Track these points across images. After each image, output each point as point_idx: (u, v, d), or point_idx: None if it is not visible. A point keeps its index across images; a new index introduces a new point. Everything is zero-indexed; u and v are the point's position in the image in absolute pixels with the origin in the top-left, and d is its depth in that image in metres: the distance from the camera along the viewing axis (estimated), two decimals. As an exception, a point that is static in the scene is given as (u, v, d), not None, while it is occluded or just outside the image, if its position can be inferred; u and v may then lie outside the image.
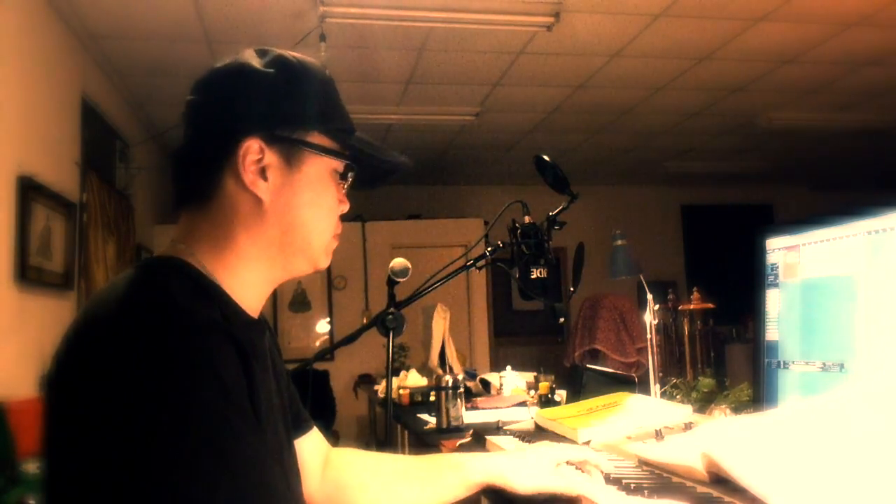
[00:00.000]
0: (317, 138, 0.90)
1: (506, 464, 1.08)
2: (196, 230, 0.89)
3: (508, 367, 3.16)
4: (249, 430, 0.74)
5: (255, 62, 0.90)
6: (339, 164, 0.92)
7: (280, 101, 0.89)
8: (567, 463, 1.08)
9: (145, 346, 0.71)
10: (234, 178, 0.87)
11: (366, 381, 6.01)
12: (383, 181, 1.03)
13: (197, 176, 0.89)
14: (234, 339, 0.77)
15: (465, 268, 1.72)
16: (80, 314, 0.79)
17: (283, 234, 0.89)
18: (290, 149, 0.88)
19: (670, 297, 3.01)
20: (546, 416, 1.53)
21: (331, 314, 6.77)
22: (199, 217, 0.89)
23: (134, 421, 0.68)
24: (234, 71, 0.90)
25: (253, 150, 0.86)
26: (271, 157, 0.87)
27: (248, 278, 0.89)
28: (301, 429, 1.07)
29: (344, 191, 0.95)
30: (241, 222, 0.88)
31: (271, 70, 0.89)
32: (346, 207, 0.96)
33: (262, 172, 0.87)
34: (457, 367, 3.60)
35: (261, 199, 0.87)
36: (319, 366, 5.85)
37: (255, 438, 0.75)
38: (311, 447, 1.09)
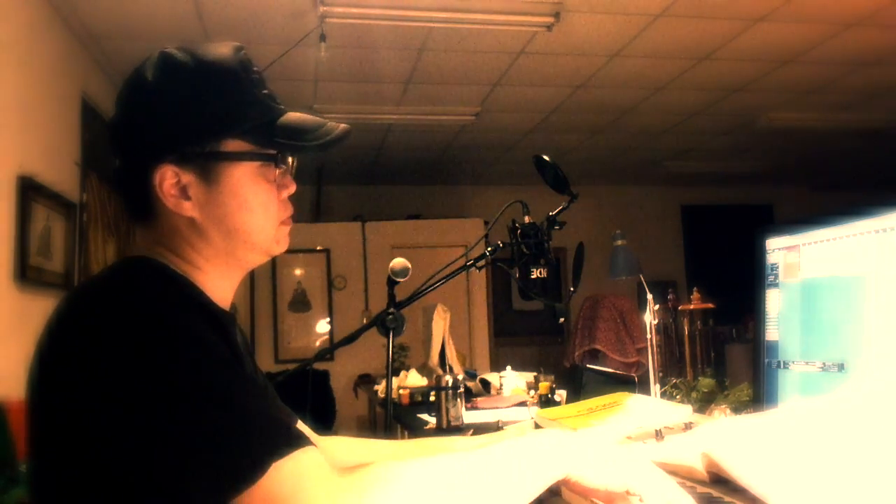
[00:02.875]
0: (231, 144, 0.88)
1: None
2: (151, 242, 0.91)
3: (508, 367, 3.16)
4: (244, 379, 0.76)
5: (149, 74, 0.88)
6: (262, 162, 0.90)
7: (181, 119, 0.87)
8: None
9: (126, 331, 0.73)
10: (162, 202, 0.88)
11: (366, 381, 6.01)
12: (324, 150, 0.97)
13: (131, 201, 0.91)
14: (212, 315, 0.80)
15: (465, 268, 1.72)
16: (55, 312, 0.81)
17: (225, 241, 0.90)
18: (205, 164, 0.87)
19: (670, 297, 3.02)
20: (546, 416, 1.53)
21: (331, 314, 6.76)
22: (149, 232, 0.91)
23: (130, 395, 0.70)
24: (134, 91, 0.90)
25: (167, 176, 0.86)
26: (188, 177, 0.87)
27: (209, 278, 0.91)
28: None
29: (283, 175, 0.92)
30: (183, 239, 0.89)
31: (164, 82, 0.87)
32: (289, 190, 0.93)
33: (184, 192, 0.87)
34: (457, 367, 3.60)
35: (192, 217, 0.88)
36: (319, 366, 5.84)
37: (250, 384, 0.77)
38: None
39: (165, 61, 0.88)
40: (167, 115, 0.87)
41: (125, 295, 0.77)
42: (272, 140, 0.90)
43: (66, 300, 0.82)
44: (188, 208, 0.87)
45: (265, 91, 0.92)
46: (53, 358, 0.77)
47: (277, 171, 0.91)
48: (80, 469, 0.72)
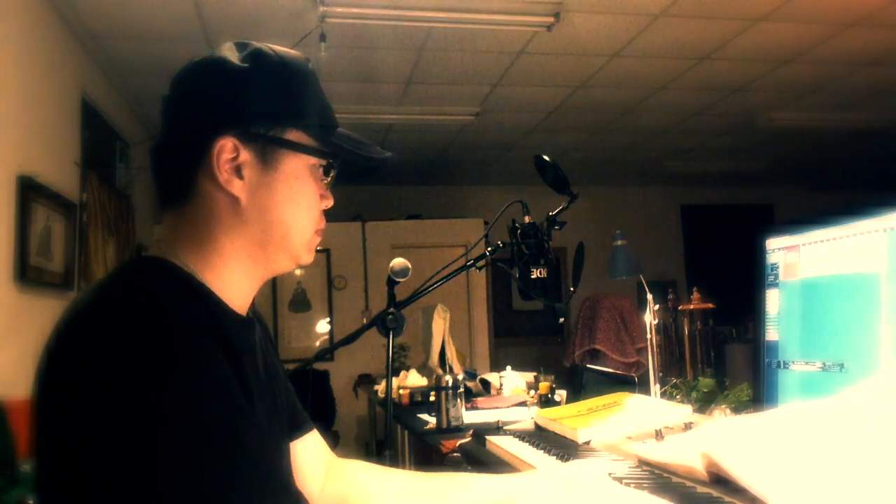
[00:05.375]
0: (294, 135, 0.88)
1: (517, 486, 1.02)
2: (178, 231, 0.88)
3: (508, 367, 3.16)
4: (246, 423, 0.74)
5: (232, 56, 0.88)
6: (317, 161, 0.91)
7: (255, 98, 0.87)
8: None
9: (134, 347, 0.70)
10: (210, 177, 0.85)
11: (366, 381, 6.01)
12: (367, 176, 1.01)
13: (174, 175, 0.89)
14: (222, 336, 0.76)
15: (465, 268, 1.72)
16: (65, 315, 0.78)
17: (263, 232, 0.88)
18: (266, 147, 0.86)
19: (670, 297, 3.02)
20: (546, 416, 1.53)
21: (331, 314, 6.76)
22: (179, 217, 0.88)
23: (129, 422, 0.68)
24: (209, 66, 0.88)
25: (227, 148, 0.85)
26: (246, 156, 0.86)
27: (232, 277, 0.88)
28: (299, 430, 1.06)
29: (326, 187, 0.93)
30: (219, 222, 0.87)
31: (247, 65, 0.87)
32: (329, 203, 0.94)
33: (238, 171, 0.86)
34: (457, 367, 3.60)
35: (238, 198, 0.86)
36: (319, 366, 5.85)
37: (253, 431, 0.74)
38: (309, 449, 1.07)
39: (247, 46, 0.89)
40: (244, 90, 0.86)
41: (137, 311, 0.74)
42: (332, 142, 0.91)
43: (74, 307, 0.79)
44: (238, 187, 0.85)
45: (326, 101, 0.95)
46: (59, 371, 0.74)
47: (326, 179, 0.92)
48: (79, 487, 0.70)
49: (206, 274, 0.86)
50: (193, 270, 0.86)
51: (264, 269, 0.91)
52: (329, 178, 0.92)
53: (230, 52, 0.88)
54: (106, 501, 0.68)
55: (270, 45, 0.91)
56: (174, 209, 0.89)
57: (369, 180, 1.19)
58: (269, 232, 0.88)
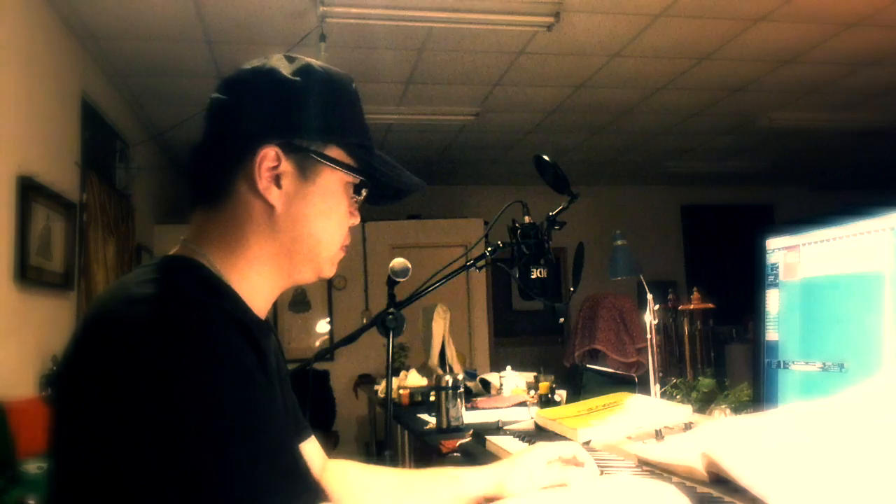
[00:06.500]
0: (334, 152, 0.91)
1: (499, 473, 1.06)
2: (207, 231, 0.89)
3: (508, 367, 3.16)
4: (277, 412, 0.75)
5: (283, 68, 0.90)
6: (353, 179, 0.93)
7: (302, 111, 0.89)
8: (560, 459, 1.06)
9: (164, 341, 0.71)
10: (248, 182, 0.88)
11: (366, 381, 6.01)
12: (396, 200, 1.03)
13: (212, 176, 0.90)
14: (248, 330, 0.78)
15: (465, 268, 1.71)
16: (91, 311, 0.79)
17: (293, 242, 0.90)
18: (307, 160, 0.89)
19: (670, 297, 3.02)
20: (546, 416, 1.53)
21: (331, 314, 6.77)
22: (210, 218, 0.90)
23: (161, 414, 0.69)
24: (263, 75, 0.90)
25: (270, 157, 0.87)
26: (287, 166, 0.88)
27: (255, 282, 0.90)
28: (300, 436, 1.07)
29: (356, 205, 0.96)
30: (251, 227, 0.89)
31: (297, 78, 0.90)
32: (356, 220, 0.97)
33: (277, 180, 0.88)
34: (457, 367, 3.60)
35: (273, 206, 0.88)
36: (319, 366, 5.85)
37: (282, 420, 0.77)
38: (309, 455, 1.08)
39: (296, 59, 0.93)
40: (294, 102, 0.89)
41: (165, 306, 0.75)
42: (369, 163, 0.94)
43: (100, 303, 0.80)
44: (275, 196, 0.88)
45: (366, 121, 0.98)
46: (86, 366, 0.74)
47: (357, 197, 0.94)
48: (99, 482, 0.71)
49: (231, 275, 0.88)
50: (219, 270, 0.87)
51: (287, 277, 0.93)
52: (360, 197, 0.95)
53: (281, 64, 0.91)
54: (137, 490, 0.69)
55: (317, 61, 0.94)
56: (205, 209, 0.90)
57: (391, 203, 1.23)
58: (298, 242, 0.91)
